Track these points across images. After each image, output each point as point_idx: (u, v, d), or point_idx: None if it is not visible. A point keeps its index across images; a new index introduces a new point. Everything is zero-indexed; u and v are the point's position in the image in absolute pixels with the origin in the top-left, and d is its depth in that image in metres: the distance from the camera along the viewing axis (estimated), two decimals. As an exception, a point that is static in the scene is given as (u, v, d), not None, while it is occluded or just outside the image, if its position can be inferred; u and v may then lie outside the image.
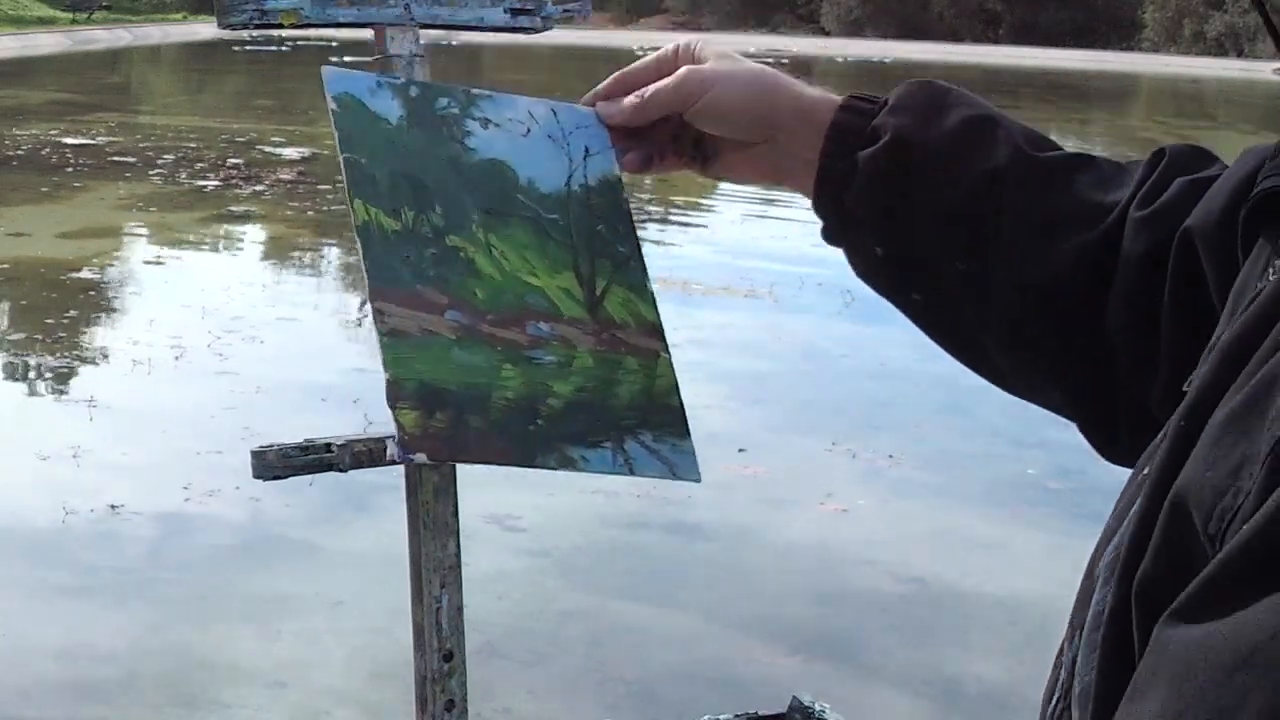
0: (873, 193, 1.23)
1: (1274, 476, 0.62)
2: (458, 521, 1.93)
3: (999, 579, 6.00)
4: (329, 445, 1.84)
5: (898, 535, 6.43)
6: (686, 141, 1.39)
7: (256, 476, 1.82)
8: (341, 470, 1.87)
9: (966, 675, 5.19)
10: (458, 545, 1.92)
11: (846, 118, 1.27)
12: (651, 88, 1.35)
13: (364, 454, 1.88)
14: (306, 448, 1.83)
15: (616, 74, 1.41)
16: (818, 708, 2.01)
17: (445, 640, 1.86)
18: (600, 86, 1.43)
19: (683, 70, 1.33)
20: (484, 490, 5.68)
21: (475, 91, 1.52)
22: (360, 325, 9.78)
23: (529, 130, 1.47)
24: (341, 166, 1.40)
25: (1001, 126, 1.22)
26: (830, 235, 1.31)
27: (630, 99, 1.37)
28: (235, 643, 5.00)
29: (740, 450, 7.23)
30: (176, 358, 8.49)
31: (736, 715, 2.05)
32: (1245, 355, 0.72)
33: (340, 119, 1.42)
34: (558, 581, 5.72)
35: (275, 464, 1.79)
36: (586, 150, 1.45)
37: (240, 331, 9.12)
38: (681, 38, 1.38)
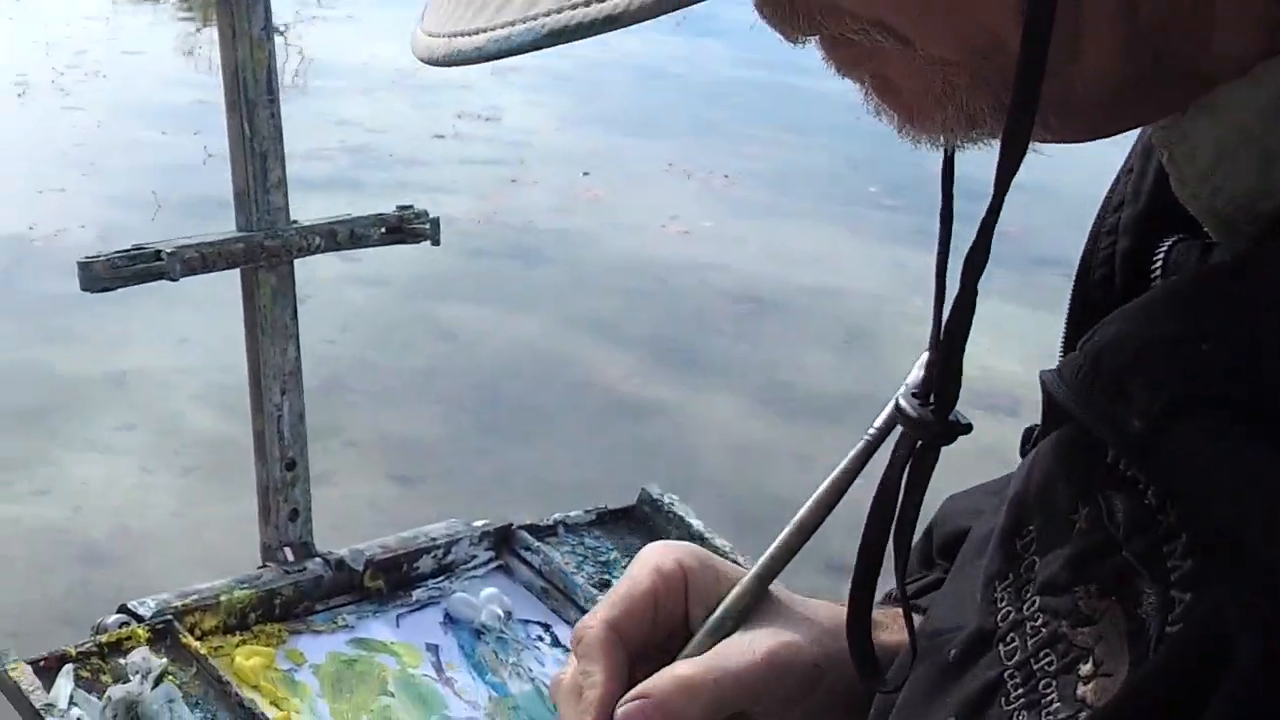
0: None
1: None
2: (297, 325, 1.92)
3: (831, 289, 6.13)
4: (158, 253, 1.82)
5: (736, 253, 6.50)
6: None
7: (84, 289, 1.80)
8: (172, 279, 1.85)
9: (794, 371, 5.37)
10: (298, 350, 1.92)
11: None
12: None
13: (195, 260, 1.85)
14: (135, 256, 1.80)
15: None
16: (666, 499, 2.06)
17: (287, 449, 1.87)
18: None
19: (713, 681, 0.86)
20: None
21: None
22: (197, 57, 9.49)
23: None
24: None
25: None
26: None
27: None
28: (89, 384, 4.96)
29: (585, 174, 7.20)
30: (20, 95, 8.23)
31: (586, 510, 2.09)
32: None
33: None
34: (400, 311, 5.72)
35: (103, 275, 1.77)
36: None
37: (83, 66, 8.84)
38: (664, 557, 0.91)
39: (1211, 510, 0.58)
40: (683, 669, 0.84)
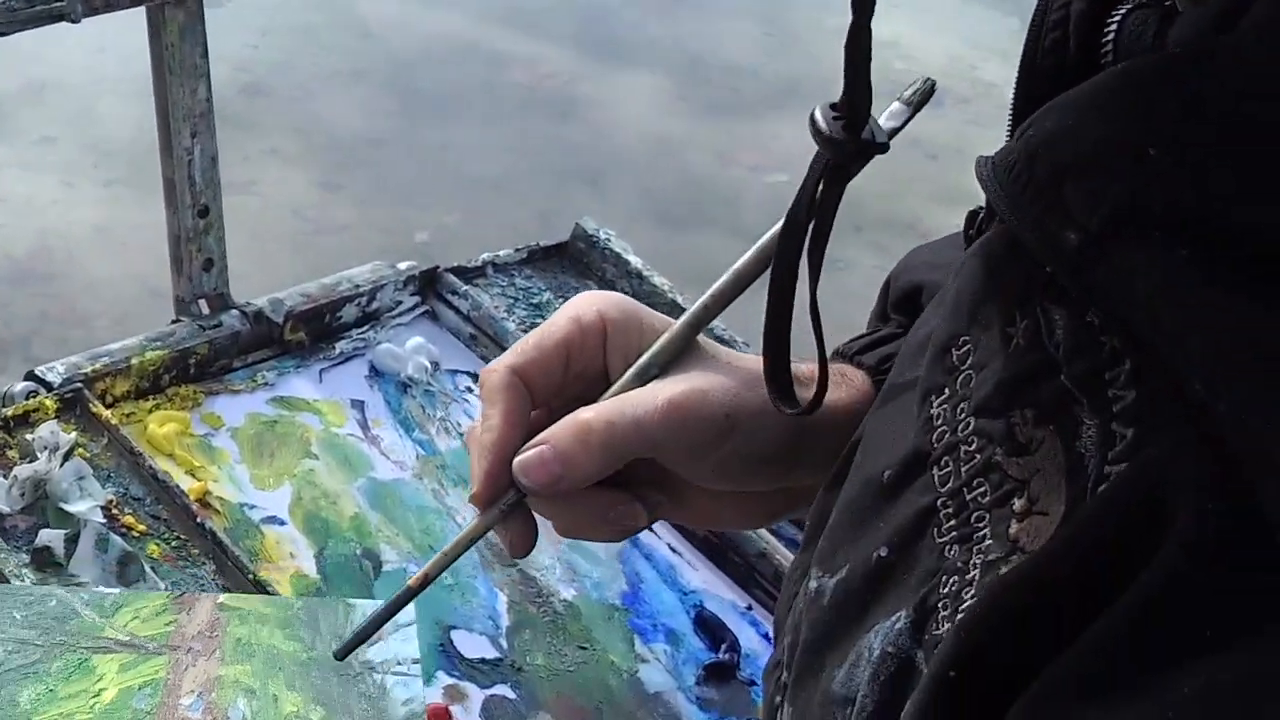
0: None
1: None
2: (208, 64, 1.80)
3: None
4: (56, -9, 1.68)
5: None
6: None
7: (-25, 34, 1.67)
8: (74, 21, 1.72)
9: (714, 66, 5.33)
10: (209, 90, 1.80)
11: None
12: (574, 458, 0.82)
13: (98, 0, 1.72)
14: (31, -3, 1.67)
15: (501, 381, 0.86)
16: (602, 235, 1.98)
17: (199, 195, 1.77)
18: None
19: (632, 412, 0.81)
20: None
21: None
22: None
23: None
24: None
25: None
26: None
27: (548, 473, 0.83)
28: (6, 97, 4.82)
29: None
30: None
31: (516, 249, 2.01)
32: None
33: None
34: (321, 11, 5.54)
35: (-4, 19, 1.64)
36: None
37: None
38: (585, 307, 0.87)
39: (1155, 344, 0.51)
40: (582, 413, 0.82)
